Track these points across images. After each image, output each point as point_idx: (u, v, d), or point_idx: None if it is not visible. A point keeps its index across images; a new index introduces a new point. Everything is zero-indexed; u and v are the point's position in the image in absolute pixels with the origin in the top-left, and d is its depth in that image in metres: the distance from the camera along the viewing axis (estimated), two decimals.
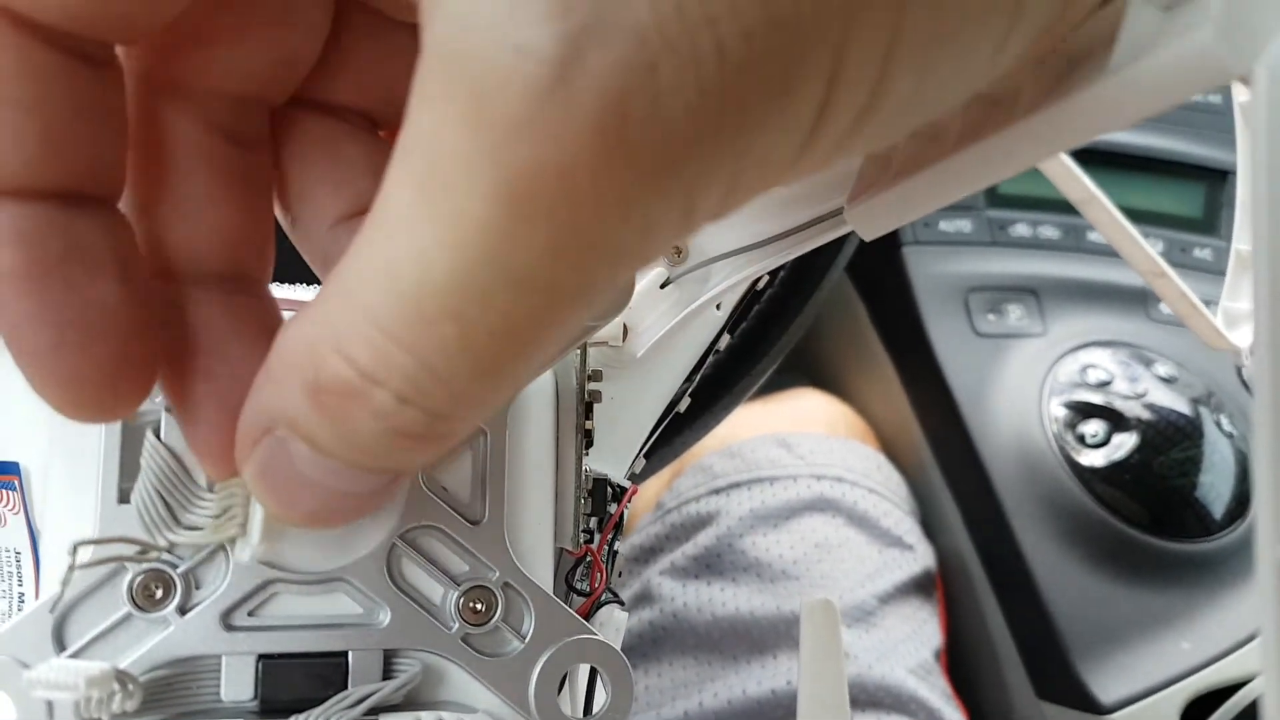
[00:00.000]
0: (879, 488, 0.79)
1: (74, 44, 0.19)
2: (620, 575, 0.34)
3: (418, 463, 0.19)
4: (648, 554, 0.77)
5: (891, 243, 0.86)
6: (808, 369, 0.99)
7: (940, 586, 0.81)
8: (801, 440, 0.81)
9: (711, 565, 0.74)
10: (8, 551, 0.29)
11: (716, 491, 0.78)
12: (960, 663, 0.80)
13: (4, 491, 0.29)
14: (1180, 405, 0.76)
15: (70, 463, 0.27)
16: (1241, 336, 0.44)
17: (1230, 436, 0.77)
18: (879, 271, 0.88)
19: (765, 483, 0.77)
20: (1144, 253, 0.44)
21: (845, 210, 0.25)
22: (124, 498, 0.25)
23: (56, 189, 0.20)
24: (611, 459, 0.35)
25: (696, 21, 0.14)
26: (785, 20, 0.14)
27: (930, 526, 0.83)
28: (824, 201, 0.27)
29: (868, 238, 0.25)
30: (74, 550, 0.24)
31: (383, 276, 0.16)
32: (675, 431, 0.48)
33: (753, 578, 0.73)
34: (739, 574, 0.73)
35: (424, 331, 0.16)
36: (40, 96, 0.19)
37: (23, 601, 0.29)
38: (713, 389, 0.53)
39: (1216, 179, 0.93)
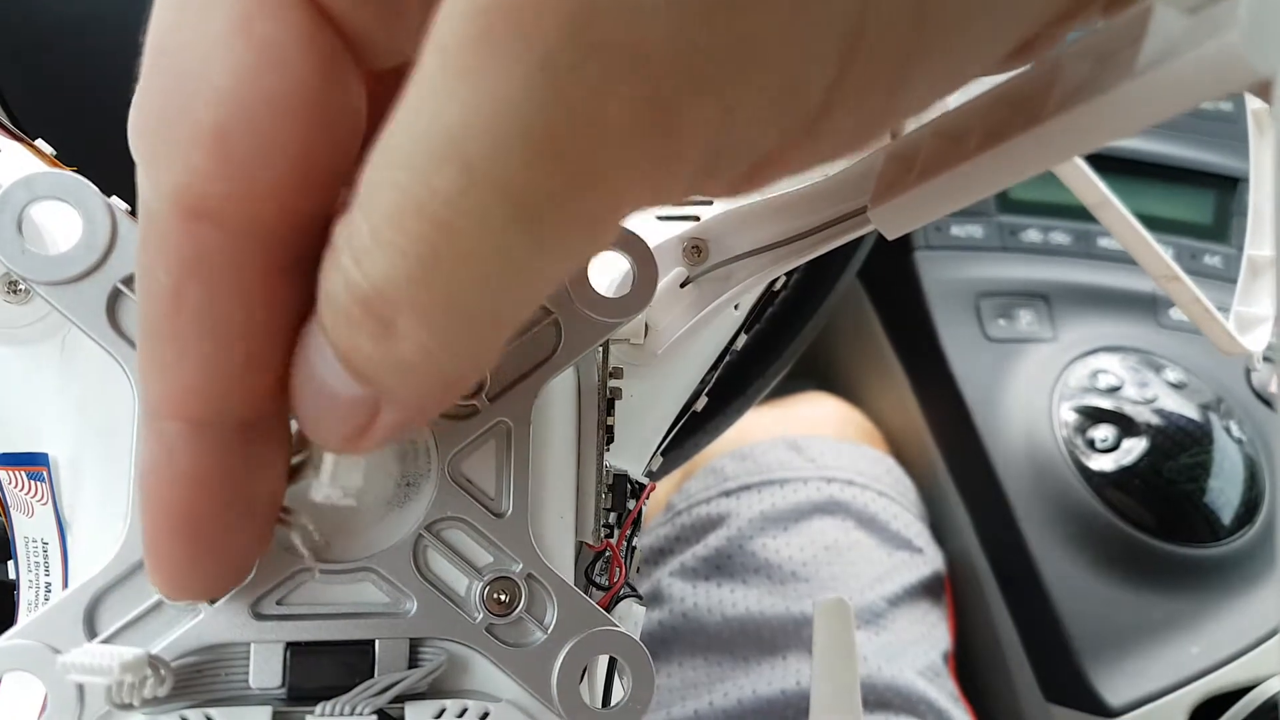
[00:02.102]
0: (889, 491, 0.80)
1: (279, 246, 0.19)
2: (638, 571, 0.35)
3: (371, 353, 0.17)
4: (658, 555, 0.78)
5: (903, 247, 0.87)
6: (818, 373, 0.99)
7: (949, 589, 0.81)
8: (812, 443, 0.81)
9: (721, 566, 0.74)
10: (35, 542, 0.29)
11: (727, 494, 0.78)
12: (969, 665, 0.81)
13: (32, 482, 0.29)
14: (1190, 411, 0.77)
15: (102, 454, 0.28)
16: (1254, 341, 0.44)
17: (1239, 442, 0.77)
18: (890, 276, 0.89)
19: (775, 485, 0.77)
20: (1157, 257, 0.44)
21: (869, 209, 0.25)
22: None
23: (245, 416, 0.20)
24: (630, 456, 0.36)
25: None
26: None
27: (940, 530, 0.83)
28: (846, 201, 0.27)
29: (891, 236, 0.25)
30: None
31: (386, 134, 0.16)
32: (689, 432, 0.48)
33: (762, 579, 0.73)
34: (749, 575, 0.73)
35: (376, 195, 0.16)
36: (250, 323, 0.19)
37: (49, 591, 0.29)
38: (726, 390, 0.54)
39: (1227, 186, 0.94)
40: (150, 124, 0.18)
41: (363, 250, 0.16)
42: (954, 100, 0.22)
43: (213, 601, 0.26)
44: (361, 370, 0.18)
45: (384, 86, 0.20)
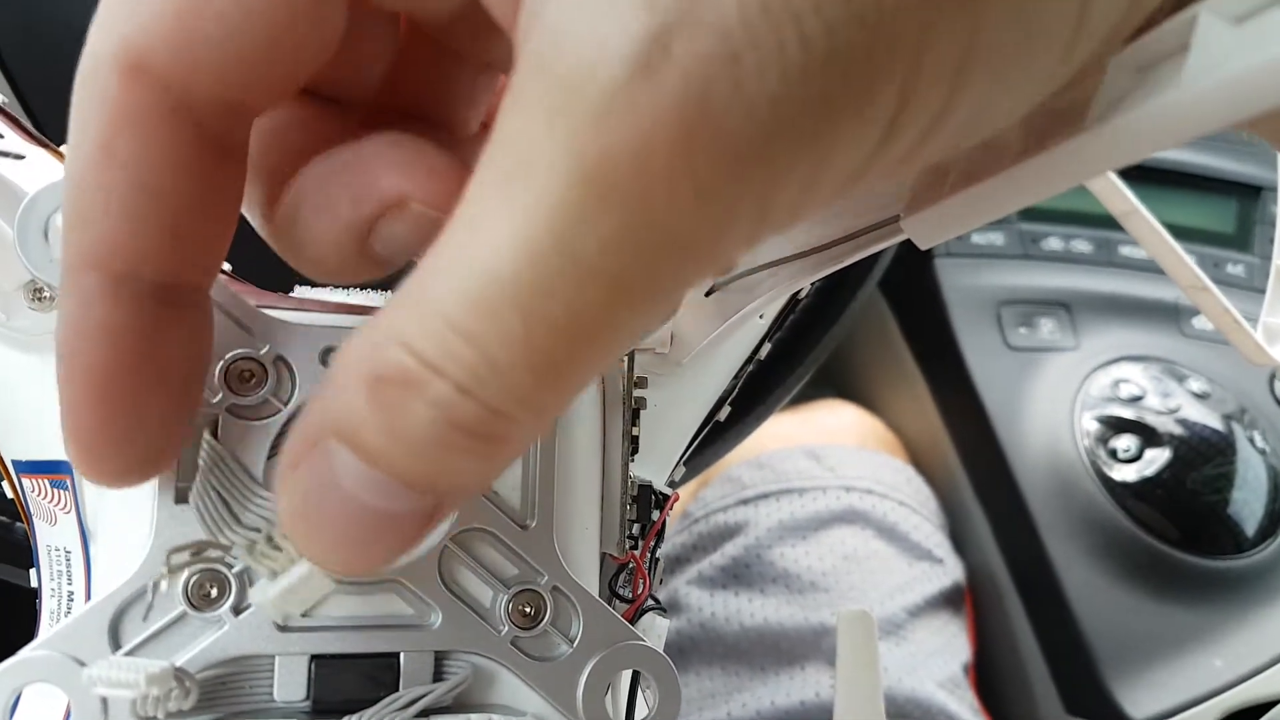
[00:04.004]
0: (909, 500, 0.79)
1: (215, 127, 0.20)
2: (661, 582, 0.34)
3: (465, 472, 0.18)
4: (674, 563, 0.77)
5: (923, 254, 0.87)
6: (838, 380, 0.99)
7: (969, 600, 0.81)
8: (831, 452, 0.81)
9: (739, 576, 0.74)
10: (58, 550, 0.29)
11: (745, 502, 0.78)
12: (989, 677, 0.80)
13: (56, 491, 0.29)
14: (1213, 421, 0.76)
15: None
16: None
17: (1263, 453, 0.76)
18: (910, 283, 0.88)
19: (794, 494, 0.77)
20: (1185, 266, 0.44)
21: (901, 219, 0.25)
22: (180, 498, 0.26)
23: (164, 279, 0.20)
24: (654, 466, 0.35)
25: (781, 16, 0.14)
26: (868, 17, 0.14)
27: (960, 540, 0.82)
28: (877, 210, 0.27)
29: (924, 246, 0.25)
30: (168, 558, 0.25)
31: (453, 269, 0.16)
32: (710, 440, 0.48)
33: (781, 589, 0.73)
34: (767, 585, 0.73)
35: (488, 322, 0.16)
36: (173, 185, 0.19)
37: (72, 600, 0.29)
38: (747, 399, 0.54)
39: (1249, 195, 0.93)
40: None
41: (475, 381, 0.16)
42: None
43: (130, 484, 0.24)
44: (439, 484, 0.18)
45: (370, 21, 0.21)
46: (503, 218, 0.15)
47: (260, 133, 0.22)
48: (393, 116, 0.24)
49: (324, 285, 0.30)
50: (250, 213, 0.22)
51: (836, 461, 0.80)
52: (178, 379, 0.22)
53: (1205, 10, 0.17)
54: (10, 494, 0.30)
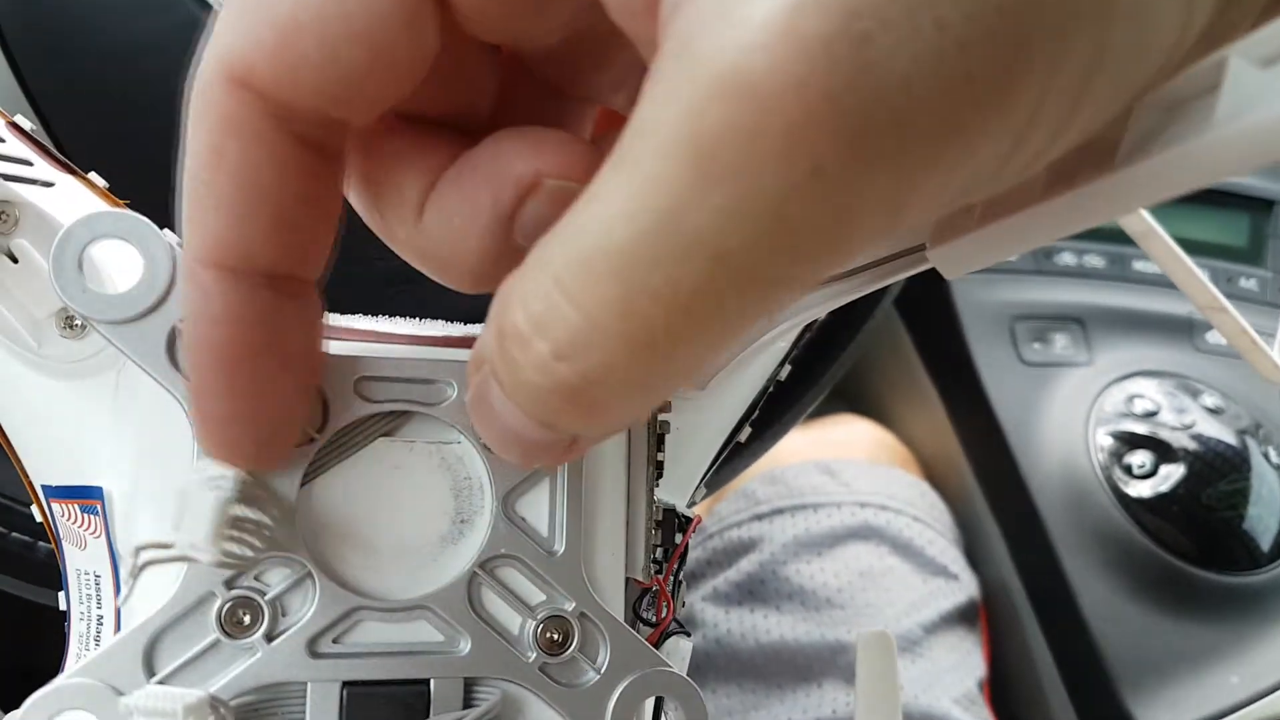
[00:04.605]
0: (924, 516, 0.79)
1: (314, 135, 0.21)
2: (684, 605, 0.35)
3: (577, 427, 0.19)
4: (690, 579, 0.77)
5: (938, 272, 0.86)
6: (851, 395, 0.99)
7: (984, 616, 0.81)
8: (845, 467, 0.81)
9: (755, 592, 0.74)
10: (87, 574, 0.30)
11: (759, 517, 0.78)
12: (1004, 693, 0.80)
13: (86, 515, 0.29)
14: (1228, 436, 0.76)
15: (158, 488, 0.28)
16: None
17: (1278, 468, 0.76)
18: (924, 299, 0.88)
19: (809, 509, 0.77)
20: (1202, 286, 0.44)
21: (927, 249, 0.25)
22: None
23: (273, 270, 0.22)
24: (675, 488, 0.36)
25: (915, 0, 0.14)
26: (1006, 6, 0.14)
27: (975, 556, 0.82)
28: (903, 238, 0.27)
29: (950, 277, 0.25)
30: (135, 552, 0.26)
31: (569, 236, 0.17)
32: (728, 460, 0.48)
33: (796, 605, 0.73)
34: (783, 601, 0.73)
35: (591, 286, 0.16)
36: (277, 185, 0.21)
37: (101, 624, 0.29)
38: (765, 418, 0.54)
39: (1262, 209, 0.93)
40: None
41: (572, 345, 0.17)
42: None
43: (257, 472, 0.26)
44: (559, 431, 0.19)
45: (469, 52, 0.22)
46: (618, 187, 0.16)
47: (393, 164, 0.23)
48: None
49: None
50: (396, 242, 0.23)
51: (851, 477, 0.80)
52: (295, 361, 0.24)
53: (1235, 53, 0.17)
54: (40, 518, 0.31)
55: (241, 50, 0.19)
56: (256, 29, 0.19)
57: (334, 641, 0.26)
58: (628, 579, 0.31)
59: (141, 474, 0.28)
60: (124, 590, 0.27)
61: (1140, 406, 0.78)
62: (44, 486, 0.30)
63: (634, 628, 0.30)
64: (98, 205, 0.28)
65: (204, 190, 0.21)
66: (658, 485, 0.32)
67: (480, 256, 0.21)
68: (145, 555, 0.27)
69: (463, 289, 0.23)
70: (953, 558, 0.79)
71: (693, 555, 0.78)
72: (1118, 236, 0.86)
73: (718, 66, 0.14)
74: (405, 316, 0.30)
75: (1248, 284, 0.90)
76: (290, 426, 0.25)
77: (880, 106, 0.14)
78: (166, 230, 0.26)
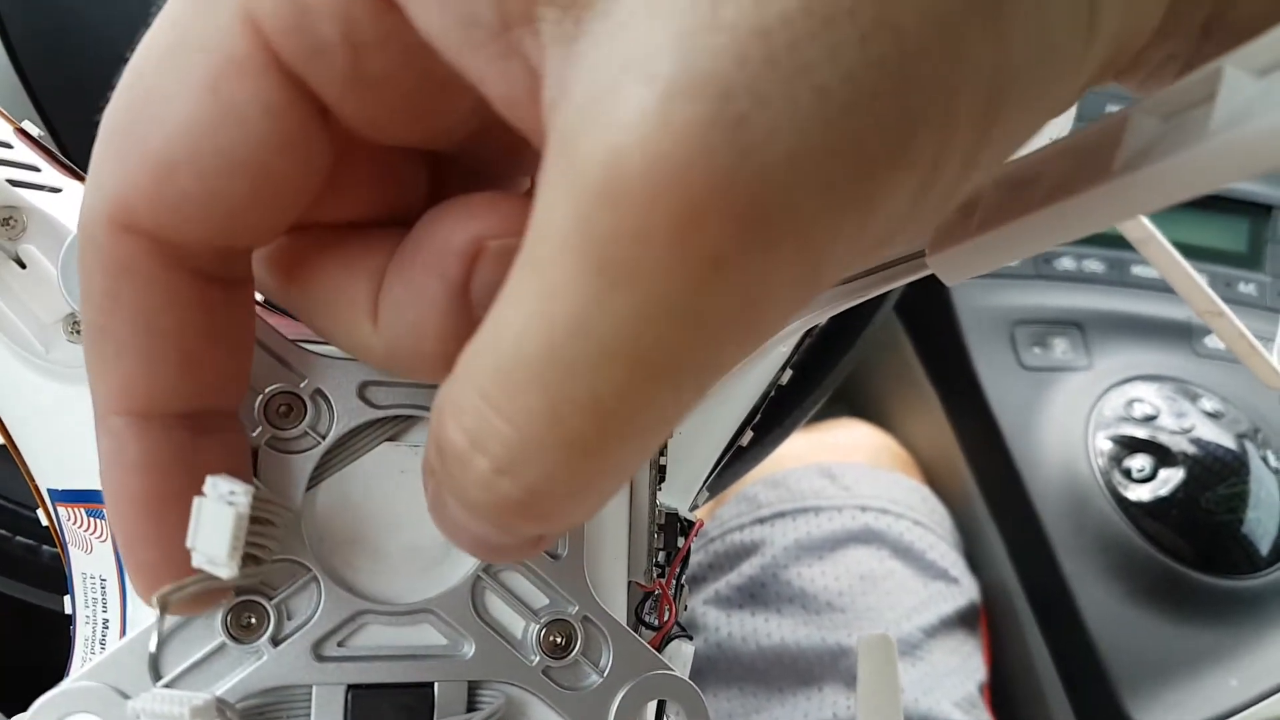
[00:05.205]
0: (924, 520, 0.79)
1: (211, 268, 0.20)
2: (686, 609, 0.35)
3: (533, 531, 0.19)
4: (691, 583, 0.77)
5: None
6: (852, 399, 0.99)
7: (985, 620, 0.81)
8: (846, 471, 0.81)
9: (756, 595, 0.74)
10: (93, 578, 0.30)
11: (761, 521, 0.78)
12: (1005, 697, 0.80)
13: (91, 519, 0.30)
14: (1226, 440, 0.76)
15: None
16: None
17: (1277, 473, 0.76)
18: (924, 303, 0.88)
19: (810, 513, 0.77)
20: (1201, 291, 0.44)
21: (927, 255, 0.25)
22: None
23: (189, 410, 0.22)
24: (677, 492, 0.36)
25: (790, 70, 0.13)
26: (888, 58, 0.14)
27: (975, 560, 0.82)
28: (902, 245, 0.27)
29: (949, 283, 0.25)
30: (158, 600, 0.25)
31: (489, 346, 0.16)
32: (730, 464, 0.48)
33: (798, 609, 0.73)
34: (784, 605, 0.73)
35: (515, 399, 0.16)
36: (178, 325, 0.20)
37: (107, 628, 0.30)
38: (766, 422, 0.54)
39: (1261, 214, 0.93)
40: (107, 133, 0.19)
41: (510, 461, 0.16)
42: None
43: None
44: (523, 536, 0.19)
45: (387, 156, 0.22)
46: (525, 293, 0.15)
47: (335, 276, 0.22)
48: None
49: None
50: (359, 351, 0.23)
51: (852, 480, 0.80)
52: None
53: (1230, 63, 0.17)
54: (45, 522, 0.31)
55: (120, 194, 0.19)
56: (131, 171, 0.19)
57: (339, 645, 0.26)
58: (630, 583, 0.31)
59: None
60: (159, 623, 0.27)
61: (1139, 411, 0.78)
62: (50, 490, 0.30)
63: (636, 631, 0.30)
64: None
65: (103, 337, 0.20)
66: (660, 489, 0.32)
67: (444, 340, 0.20)
68: (174, 597, 0.26)
69: (438, 379, 0.21)
70: (953, 561, 0.79)
71: (694, 559, 0.78)
72: (1117, 241, 0.87)
73: (596, 170, 0.14)
74: None
75: (1246, 289, 0.90)
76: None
77: (768, 187, 0.14)
78: None
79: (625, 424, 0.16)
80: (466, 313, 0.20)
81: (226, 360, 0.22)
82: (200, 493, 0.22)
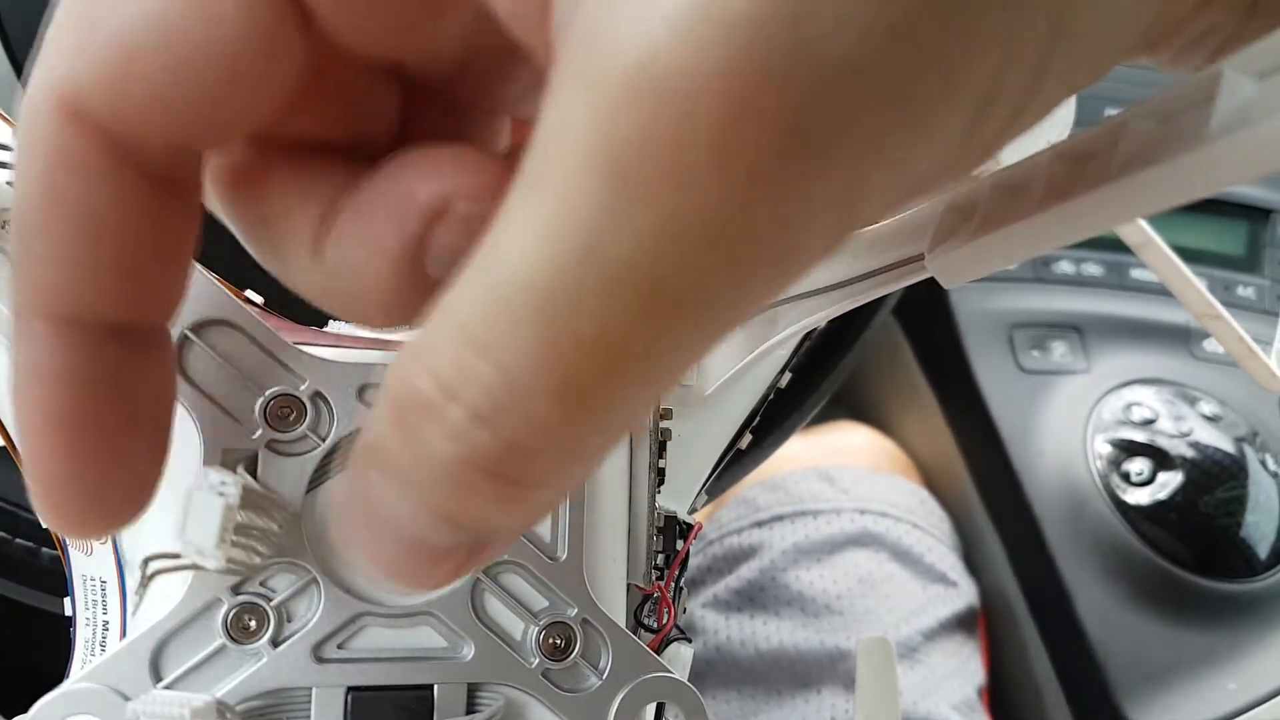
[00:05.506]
0: (923, 523, 0.79)
1: (162, 168, 0.19)
2: (685, 611, 0.35)
3: (492, 516, 0.16)
4: (690, 586, 0.78)
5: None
6: (851, 402, 0.99)
7: (983, 623, 0.81)
8: (844, 474, 0.81)
9: (754, 598, 0.74)
10: (93, 580, 0.30)
11: (759, 524, 0.78)
12: (1003, 700, 0.80)
13: None
14: (1225, 444, 0.76)
15: (165, 495, 0.28)
16: None
17: (1275, 476, 0.76)
18: (923, 307, 0.89)
19: (808, 516, 0.77)
20: (1199, 295, 0.44)
21: (926, 258, 0.26)
22: None
23: (118, 320, 0.19)
24: (676, 495, 0.36)
25: None
26: None
27: (973, 563, 0.82)
28: (902, 247, 0.28)
29: (947, 285, 0.25)
30: (144, 563, 0.25)
31: (476, 281, 0.14)
32: (729, 467, 0.48)
33: (796, 612, 0.73)
34: (782, 608, 0.73)
35: (505, 334, 0.14)
36: (120, 227, 0.18)
37: (107, 630, 0.30)
38: (766, 425, 0.54)
39: (1259, 217, 0.93)
40: (65, 12, 0.17)
41: (494, 407, 0.14)
42: (1011, 155, 0.23)
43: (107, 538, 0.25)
44: (471, 525, 0.16)
45: (359, 74, 0.20)
46: (529, 220, 0.14)
47: (283, 196, 0.20)
48: None
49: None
50: (293, 280, 0.21)
51: (850, 483, 0.80)
52: (144, 419, 0.21)
53: (1229, 66, 0.17)
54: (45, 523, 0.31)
55: (72, 74, 0.17)
56: (89, 53, 0.17)
57: (339, 647, 0.27)
58: (629, 585, 0.31)
59: None
60: (132, 602, 0.27)
61: (1138, 414, 0.78)
62: None
63: (635, 634, 0.30)
64: None
65: (36, 234, 0.18)
66: (659, 492, 0.32)
67: (390, 292, 0.19)
68: (154, 565, 0.27)
69: (373, 325, 0.21)
70: (951, 565, 0.79)
71: (693, 562, 0.78)
72: (1116, 245, 0.86)
73: (626, 65, 0.12)
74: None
75: (1245, 292, 0.90)
76: (140, 490, 0.21)
77: (824, 92, 0.12)
78: None
79: (628, 366, 0.14)
80: (418, 270, 0.18)
81: (167, 270, 0.20)
82: (123, 415, 0.20)
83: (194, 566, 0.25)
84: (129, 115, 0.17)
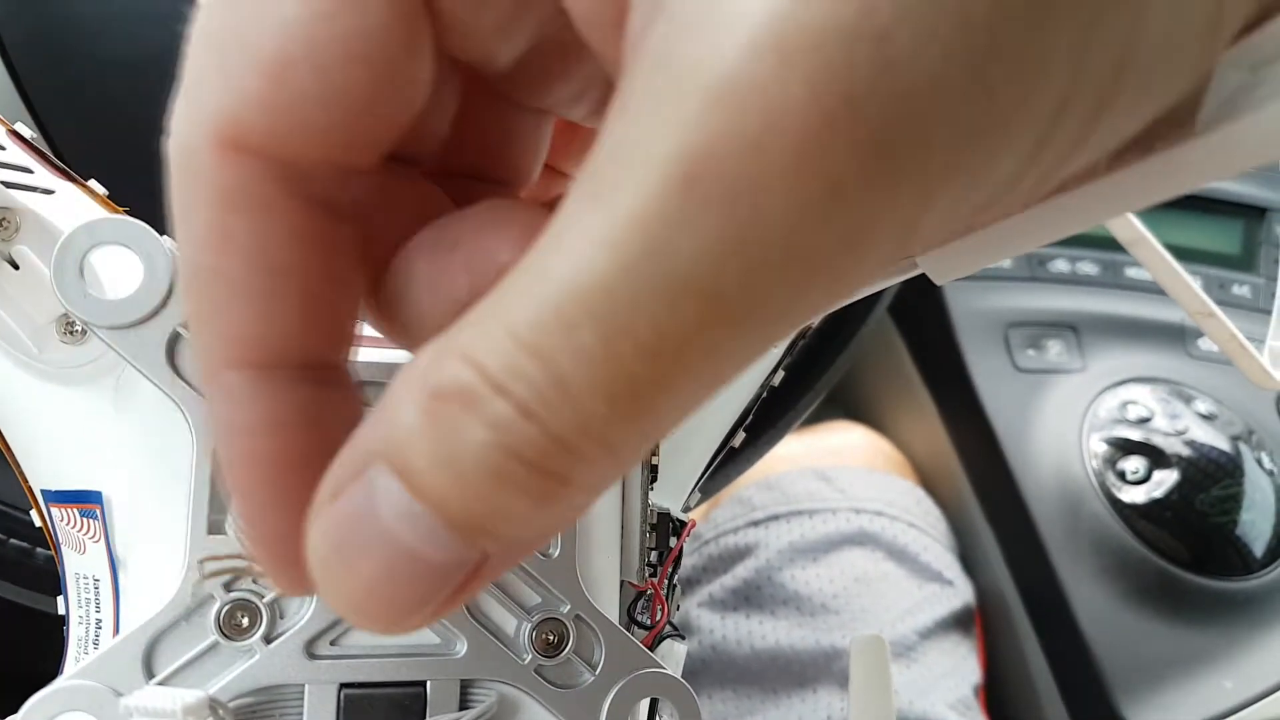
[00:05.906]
0: (919, 522, 0.79)
1: (324, 193, 0.18)
2: (679, 608, 0.35)
3: (518, 515, 0.15)
4: (686, 586, 0.78)
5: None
6: (846, 402, 0.99)
7: (979, 622, 0.81)
8: (840, 473, 0.81)
9: (750, 598, 0.74)
10: (87, 578, 0.30)
11: (755, 524, 0.78)
12: (999, 699, 0.80)
13: (85, 520, 0.30)
14: (1220, 442, 0.76)
15: (158, 493, 0.28)
16: None
17: (1270, 474, 0.76)
18: (919, 306, 0.89)
19: (804, 515, 0.77)
20: (1192, 292, 0.44)
21: (917, 255, 0.26)
22: (214, 529, 0.26)
23: (310, 361, 0.19)
24: (670, 493, 0.36)
25: None
26: None
27: (969, 562, 0.83)
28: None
29: (939, 282, 0.25)
30: (200, 564, 0.25)
31: (529, 282, 0.14)
32: (723, 465, 0.48)
33: (792, 611, 0.73)
34: (778, 607, 0.73)
35: (561, 336, 0.14)
36: (299, 261, 0.18)
37: (100, 628, 0.30)
38: (759, 424, 0.54)
39: (1254, 215, 0.94)
40: (203, 45, 0.17)
41: (543, 402, 0.14)
42: None
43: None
44: (490, 529, 0.16)
45: (447, 76, 0.20)
46: (591, 223, 0.13)
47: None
48: (454, 170, 0.22)
49: None
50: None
51: (846, 483, 0.80)
52: None
53: (1223, 60, 0.17)
54: (39, 523, 0.31)
55: (228, 107, 0.17)
56: (239, 79, 0.16)
57: (331, 644, 0.27)
58: (623, 582, 0.31)
59: (140, 478, 0.28)
60: (187, 599, 0.27)
61: (1134, 413, 0.78)
62: (43, 491, 0.30)
63: (629, 630, 0.30)
64: (98, 212, 0.28)
65: (212, 279, 0.17)
66: (652, 489, 0.32)
67: (442, 329, 0.17)
68: (210, 566, 0.26)
69: (409, 347, 0.20)
70: (947, 564, 0.79)
71: (689, 561, 0.78)
72: (1110, 244, 0.87)
73: (710, 73, 0.12)
74: None
75: (1240, 290, 0.90)
76: None
77: (905, 112, 0.12)
78: (166, 236, 0.26)
79: (685, 374, 0.14)
80: None
81: (344, 303, 0.19)
82: (330, 455, 0.18)
83: (241, 571, 0.24)
84: (289, 133, 0.17)
